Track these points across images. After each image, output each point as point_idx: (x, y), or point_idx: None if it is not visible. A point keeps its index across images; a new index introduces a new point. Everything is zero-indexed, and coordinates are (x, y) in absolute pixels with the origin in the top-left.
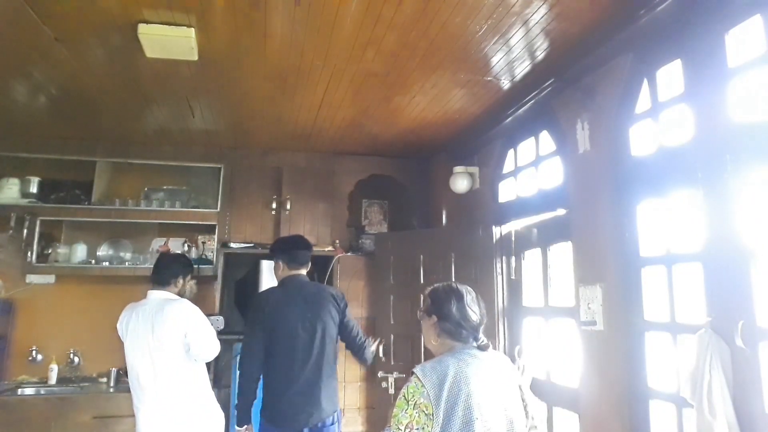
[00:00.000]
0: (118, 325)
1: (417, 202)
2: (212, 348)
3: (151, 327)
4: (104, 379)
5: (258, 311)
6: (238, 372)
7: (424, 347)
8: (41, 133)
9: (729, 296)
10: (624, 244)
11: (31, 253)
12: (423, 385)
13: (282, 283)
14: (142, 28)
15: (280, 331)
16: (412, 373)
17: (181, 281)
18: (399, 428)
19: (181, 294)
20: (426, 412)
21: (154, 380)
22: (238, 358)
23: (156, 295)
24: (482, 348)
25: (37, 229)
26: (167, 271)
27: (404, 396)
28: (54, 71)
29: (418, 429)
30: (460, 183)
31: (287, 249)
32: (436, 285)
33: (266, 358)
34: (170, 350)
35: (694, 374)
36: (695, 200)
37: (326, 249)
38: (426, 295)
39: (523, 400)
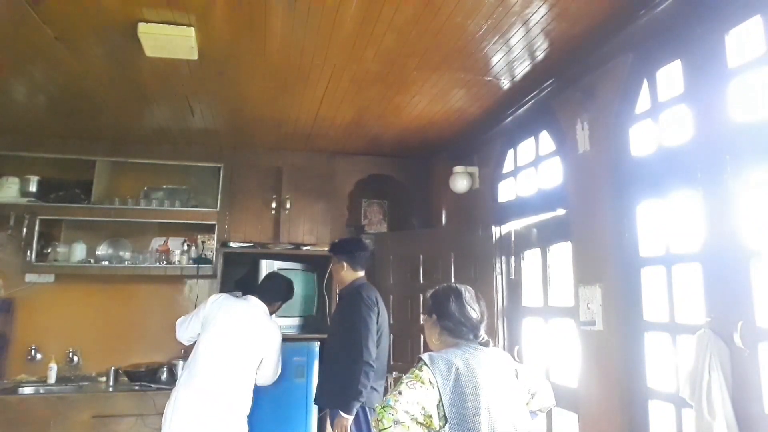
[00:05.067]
0: (209, 303)
1: (416, 201)
2: (273, 376)
3: (241, 328)
4: (103, 379)
5: (372, 309)
6: (365, 360)
7: (424, 347)
8: (41, 132)
9: (728, 297)
10: (623, 244)
11: (31, 252)
12: (431, 371)
13: (366, 285)
14: (142, 27)
15: (383, 330)
16: (420, 360)
17: (276, 307)
18: (397, 400)
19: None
20: (432, 397)
21: (225, 376)
22: (363, 349)
23: (258, 303)
24: (484, 345)
25: (37, 228)
26: (277, 295)
27: (413, 377)
28: (53, 70)
29: (419, 406)
30: (460, 183)
31: (352, 250)
32: (437, 287)
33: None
34: (251, 359)
35: (693, 375)
36: (695, 201)
37: (326, 249)
38: (427, 297)
39: (529, 390)
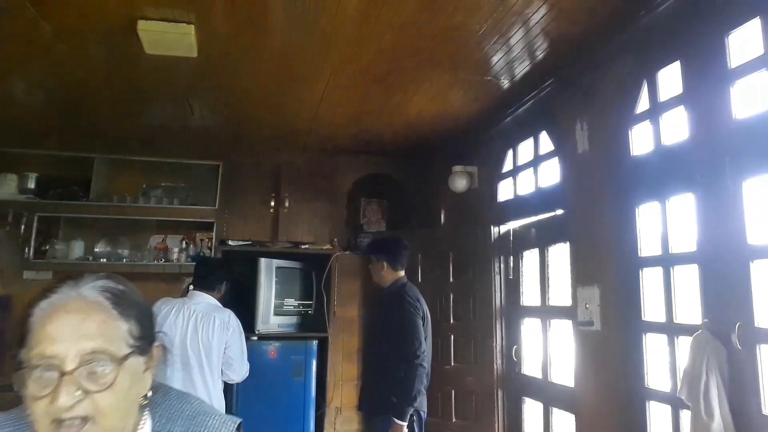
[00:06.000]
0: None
1: (415, 201)
2: (242, 369)
3: (194, 328)
4: None
5: (417, 309)
6: (418, 363)
7: None
8: (39, 129)
9: (726, 298)
10: (622, 244)
11: (29, 250)
12: None
13: (409, 284)
14: (142, 25)
15: (427, 331)
16: None
17: (223, 288)
18: None
19: (220, 301)
20: None
21: (189, 384)
22: (416, 350)
23: (204, 298)
24: None
25: (35, 225)
26: (214, 277)
27: None
28: (52, 67)
29: None
30: (459, 182)
31: (393, 250)
32: None
33: None
34: (211, 358)
35: (690, 376)
36: (693, 201)
37: (324, 247)
38: None
39: None
